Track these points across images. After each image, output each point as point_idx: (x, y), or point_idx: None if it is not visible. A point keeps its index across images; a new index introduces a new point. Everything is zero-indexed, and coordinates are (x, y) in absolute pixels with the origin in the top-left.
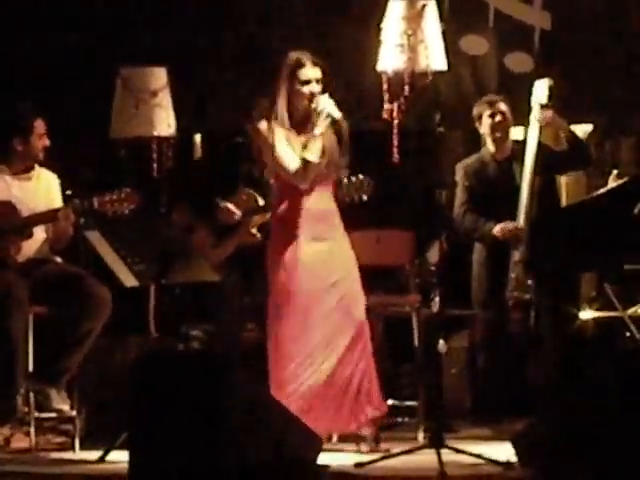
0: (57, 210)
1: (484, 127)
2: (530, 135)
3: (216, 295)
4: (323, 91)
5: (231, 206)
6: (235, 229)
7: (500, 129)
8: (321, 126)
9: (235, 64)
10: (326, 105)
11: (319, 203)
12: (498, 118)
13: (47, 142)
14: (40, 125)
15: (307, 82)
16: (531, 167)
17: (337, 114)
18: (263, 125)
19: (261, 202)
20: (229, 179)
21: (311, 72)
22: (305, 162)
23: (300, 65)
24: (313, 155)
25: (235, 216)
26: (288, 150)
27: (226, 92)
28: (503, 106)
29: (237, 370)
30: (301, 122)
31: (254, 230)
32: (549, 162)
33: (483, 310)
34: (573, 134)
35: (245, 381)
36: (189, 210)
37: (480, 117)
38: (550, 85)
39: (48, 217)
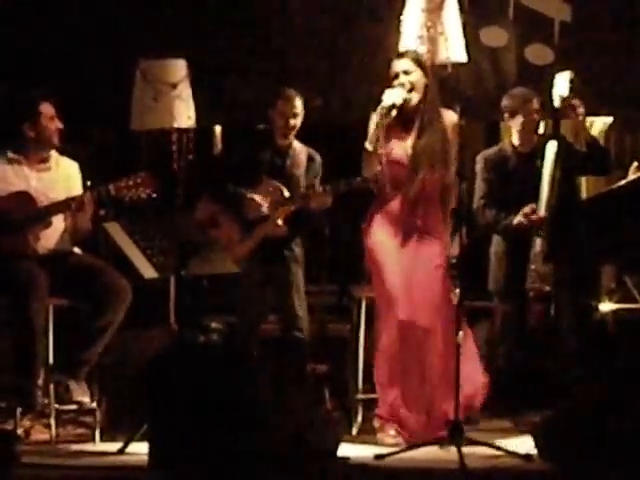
0: (75, 198)
1: (516, 123)
2: (552, 128)
3: (235, 287)
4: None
5: (258, 198)
6: (261, 222)
7: (534, 127)
8: (377, 117)
9: (254, 58)
10: (386, 100)
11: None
12: (535, 116)
13: (59, 125)
14: (47, 108)
15: (396, 76)
16: (552, 160)
17: (397, 99)
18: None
19: (286, 194)
20: (252, 169)
21: (396, 65)
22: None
23: (391, 61)
24: (367, 143)
25: (262, 208)
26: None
27: (245, 85)
28: (537, 104)
29: (256, 362)
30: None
31: (280, 222)
32: (570, 160)
33: (502, 302)
34: (594, 139)
35: (264, 373)
36: (214, 204)
37: (514, 112)
38: (572, 78)
39: (67, 205)
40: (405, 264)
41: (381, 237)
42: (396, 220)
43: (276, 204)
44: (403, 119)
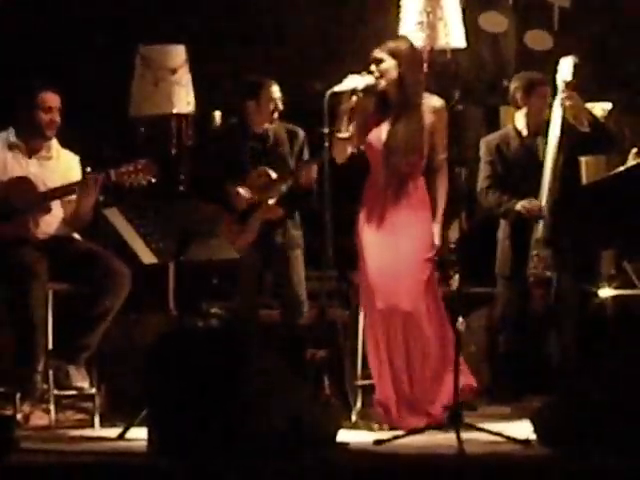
0: (75, 184)
1: (528, 105)
2: (555, 113)
3: (234, 273)
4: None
5: (242, 190)
6: (254, 210)
7: (544, 110)
8: (343, 101)
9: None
10: (346, 83)
11: None
12: (547, 100)
13: (56, 118)
14: (47, 99)
15: (371, 62)
16: (555, 145)
17: (358, 84)
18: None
19: (274, 175)
20: (234, 161)
21: (373, 52)
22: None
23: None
24: (341, 131)
25: (248, 198)
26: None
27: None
28: (549, 87)
29: (255, 347)
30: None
31: (274, 204)
32: (572, 142)
33: (506, 285)
34: (595, 118)
35: (264, 358)
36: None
37: (528, 93)
38: (575, 62)
39: (65, 190)
40: (388, 252)
41: (364, 224)
42: (377, 205)
43: (265, 187)
44: (381, 105)
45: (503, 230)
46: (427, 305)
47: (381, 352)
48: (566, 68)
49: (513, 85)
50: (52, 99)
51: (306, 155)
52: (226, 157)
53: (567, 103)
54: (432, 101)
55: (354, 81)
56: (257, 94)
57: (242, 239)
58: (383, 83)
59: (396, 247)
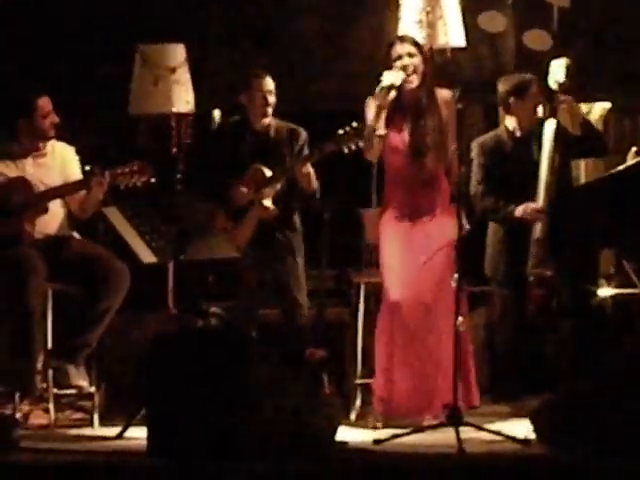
0: (75, 183)
1: (518, 107)
2: (549, 114)
3: (233, 272)
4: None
5: (240, 186)
6: (250, 207)
7: (534, 110)
8: (378, 98)
9: (251, 42)
10: (386, 80)
11: None
12: (537, 99)
13: (55, 119)
14: (44, 103)
15: (398, 58)
16: (551, 145)
17: (396, 80)
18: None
19: (268, 173)
20: (234, 158)
21: (399, 48)
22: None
23: (392, 44)
24: (377, 127)
25: (245, 195)
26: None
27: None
28: (537, 87)
29: (255, 346)
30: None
31: (268, 203)
32: (565, 144)
33: (499, 287)
34: (588, 122)
35: (263, 357)
36: (205, 198)
37: (517, 96)
38: (567, 64)
39: (64, 190)
40: (415, 246)
41: (388, 223)
42: (402, 205)
43: (260, 186)
44: (400, 106)
45: (494, 233)
46: (444, 300)
47: (394, 345)
48: (559, 70)
49: (502, 88)
50: (47, 103)
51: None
52: (226, 153)
53: (562, 107)
54: (442, 94)
55: (391, 77)
56: (248, 85)
57: (237, 238)
58: (415, 79)
59: (425, 240)
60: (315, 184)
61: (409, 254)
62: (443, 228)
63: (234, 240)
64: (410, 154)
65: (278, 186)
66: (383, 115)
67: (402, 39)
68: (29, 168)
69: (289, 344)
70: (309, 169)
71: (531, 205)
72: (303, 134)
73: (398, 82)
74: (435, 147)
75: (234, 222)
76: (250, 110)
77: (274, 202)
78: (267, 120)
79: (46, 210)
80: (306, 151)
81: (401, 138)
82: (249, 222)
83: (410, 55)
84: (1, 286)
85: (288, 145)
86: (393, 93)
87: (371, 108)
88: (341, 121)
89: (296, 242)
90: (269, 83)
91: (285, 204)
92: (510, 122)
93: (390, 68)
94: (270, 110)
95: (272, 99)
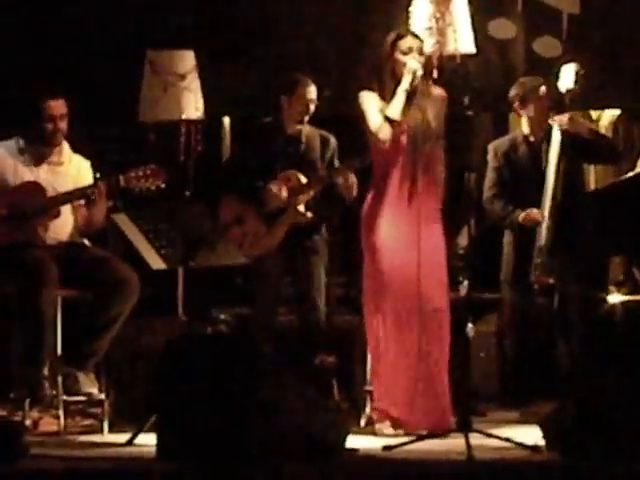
0: (83, 188)
1: (527, 111)
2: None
3: (251, 278)
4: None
5: (275, 188)
6: (283, 212)
7: (545, 114)
8: (405, 82)
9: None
10: (413, 64)
11: None
12: (546, 103)
13: (60, 126)
14: (50, 108)
15: (410, 50)
16: (557, 151)
17: (419, 67)
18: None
19: (304, 180)
20: (265, 161)
21: (411, 41)
22: (385, 118)
23: (400, 37)
24: (391, 111)
25: (281, 198)
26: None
27: (253, 75)
28: (546, 90)
29: (267, 353)
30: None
31: (302, 209)
32: (576, 149)
33: (510, 291)
34: (596, 133)
35: (275, 364)
36: (234, 201)
37: (525, 100)
38: (577, 70)
39: (75, 195)
40: (412, 250)
41: (382, 222)
42: (400, 189)
43: (294, 191)
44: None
45: (508, 236)
46: (447, 304)
47: (396, 354)
48: (568, 76)
49: (511, 93)
50: (56, 107)
51: (336, 164)
52: (257, 155)
53: (563, 127)
54: (437, 90)
55: (417, 64)
56: (292, 90)
57: (267, 241)
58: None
59: (421, 245)
60: (355, 193)
61: (405, 228)
62: (438, 228)
63: (263, 244)
64: (408, 141)
65: (312, 193)
66: (403, 99)
67: (412, 34)
68: (43, 174)
69: (301, 350)
70: (354, 178)
71: (533, 211)
72: (333, 141)
73: (421, 70)
74: (435, 134)
75: (265, 224)
76: (287, 114)
77: (306, 208)
78: (301, 126)
79: (58, 214)
80: (336, 158)
81: (405, 122)
82: (281, 226)
83: (420, 51)
84: (13, 291)
85: (319, 152)
86: (416, 80)
87: (369, 100)
88: (352, 126)
89: (321, 247)
90: (313, 91)
91: (318, 211)
92: (525, 126)
93: (390, 58)
94: (307, 118)
95: (313, 107)
